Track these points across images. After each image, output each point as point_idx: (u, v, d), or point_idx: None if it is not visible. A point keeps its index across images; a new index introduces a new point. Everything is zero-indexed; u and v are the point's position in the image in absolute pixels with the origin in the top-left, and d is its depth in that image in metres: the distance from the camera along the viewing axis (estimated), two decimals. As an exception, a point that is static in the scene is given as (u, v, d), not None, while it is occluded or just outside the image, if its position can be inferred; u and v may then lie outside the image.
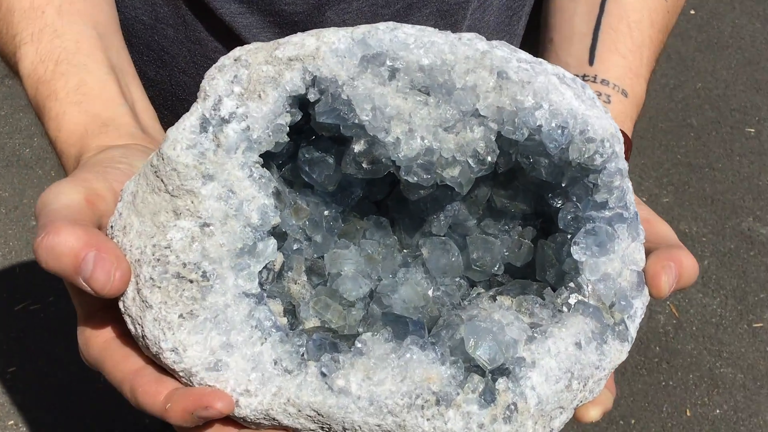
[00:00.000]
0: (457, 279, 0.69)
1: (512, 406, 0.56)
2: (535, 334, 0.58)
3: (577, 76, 0.83)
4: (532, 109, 0.58)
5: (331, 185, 0.63)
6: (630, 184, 0.64)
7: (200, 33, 0.87)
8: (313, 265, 0.67)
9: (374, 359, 0.55)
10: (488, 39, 0.82)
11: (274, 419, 0.55)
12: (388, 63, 0.57)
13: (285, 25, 0.87)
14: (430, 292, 0.67)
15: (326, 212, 0.66)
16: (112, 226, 0.57)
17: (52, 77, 0.70)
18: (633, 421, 2.39)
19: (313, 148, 0.62)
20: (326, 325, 0.64)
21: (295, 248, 0.65)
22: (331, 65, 0.56)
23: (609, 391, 0.64)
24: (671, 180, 3.06)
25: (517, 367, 0.56)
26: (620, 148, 0.62)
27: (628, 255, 0.63)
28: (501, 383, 0.56)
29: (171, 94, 0.94)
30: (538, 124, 0.58)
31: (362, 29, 0.57)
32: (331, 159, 0.63)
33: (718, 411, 2.38)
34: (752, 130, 3.30)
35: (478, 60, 0.58)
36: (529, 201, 0.67)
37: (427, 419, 0.54)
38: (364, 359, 0.55)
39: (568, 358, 0.58)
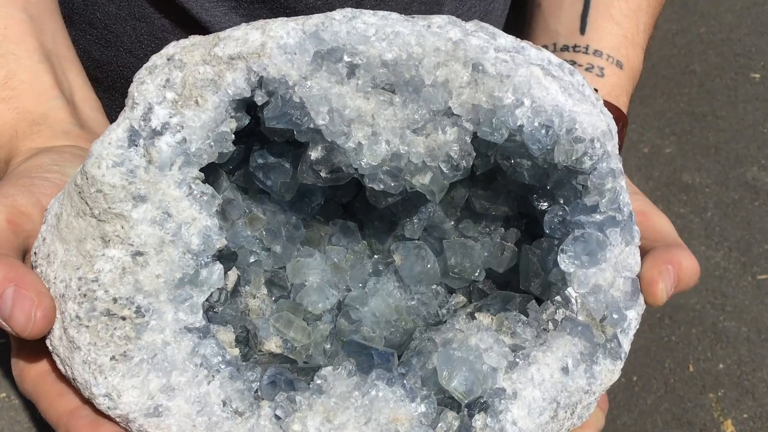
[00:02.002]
0: (434, 286, 0.62)
1: None
2: (517, 359, 0.52)
3: (567, 46, 0.75)
4: (512, 107, 0.51)
5: (288, 194, 0.56)
6: (624, 182, 0.57)
7: (145, 9, 0.79)
8: (274, 276, 0.60)
9: (335, 398, 0.49)
10: (477, 3, 0.73)
11: None
12: (346, 59, 0.49)
13: (247, 2, 0.78)
14: (403, 303, 0.61)
15: (285, 220, 0.59)
16: (35, 253, 0.51)
17: None
18: (635, 378, 2.35)
19: (267, 151, 0.55)
20: (289, 344, 0.58)
21: (251, 261, 0.59)
22: (279, 64, 0.48)
23: (600, 409, 0.58)
24: (674, 129, 2.97)
25: (496, 399, 0.50)
26: (613, 146, 0.55)
27: (621, 261, 0.56)
28: (478, 420, 0.50)
29: (119, 76, 0.85)
30: (519, 124, 0.51)
31: (315, 20, 0.50)
32: (288, 164, 0.56)
33: (721, 365, 2.35)
34: (757, 75, 3.19)
35: (450, 52, 0.51)
36: (512, 202, 0.60)
37: None
38: (324, 399, 0.49)
39: (553, 386, 0.52)
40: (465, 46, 0.51)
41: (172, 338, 0.48)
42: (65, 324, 0.48)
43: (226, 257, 0.53)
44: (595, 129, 0.52)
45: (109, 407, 0.48)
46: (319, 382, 0.49)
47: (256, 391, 0.49)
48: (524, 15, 0.85)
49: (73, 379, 0.49)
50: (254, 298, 0.60)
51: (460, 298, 0.62)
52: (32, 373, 0.53)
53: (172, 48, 0.49)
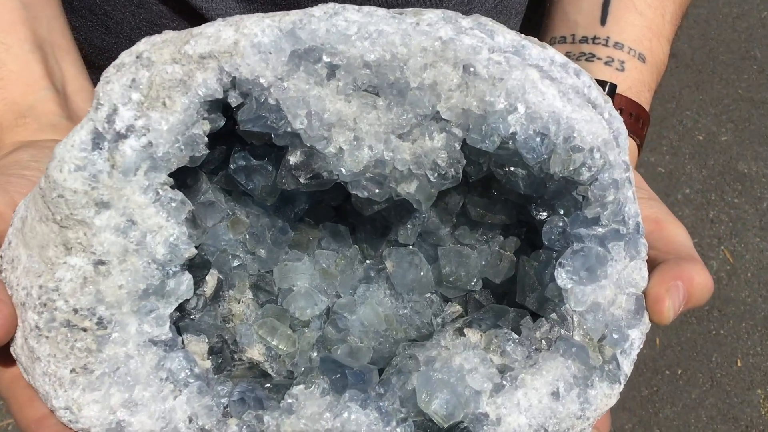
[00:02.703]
0: (428, 295, 0.59)
1: None
2: (504, 382, 0.49)
3: (587, 38, 0.71)
4: (504, 113, 0.47)
5: (270, 198, 0.53)
6: (631, 192, 0.53)
7: None
8: (260, 280, 0.58)
9: (305, 419, 0.46)
10: None
11: None
12: (325, 59, 0.46)
13: None
14: (394, 312, 0.58)
15: (270, 224, 0.56)
16: (2, 256, 0.49)
17: None
18: (680, 371, 2.29)
19: (249, 153, 0.52)
20: (272, 352, 0.56)
21: (235, 265, 0.56)
22: (252, 64, 0.45)
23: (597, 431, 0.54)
24: (731, 117, 2.86)
25: (478, 425, 0.47)
26: (616, 155, 0.51)
27: (624, 277, 0.52)
28: None
29: None
30: (511, 131, 0.47)
31: (293, 17, 0.46)
32: (271, 167, 0.53)
33: (771, 361, 2.28)
34: (821, 61, 3.04)
35: (439, 52, 0.47)
36: (510, 210, 0.56)
37: None
38: (293, 419, 0.46)
39: (541, 412, 0.48)
40: (455, 46, 0.47)
41: (135, 351, 0.46)
42: (26, 334, 0.46)
43: (198, 266, 0.50)
44: (595, 138, 0.48)
45: (70, 420, 0.46)
46: (289, 401, 0.47)
47: (226, 407, 0.47)
48: (545, 4, 0.80)
49: (36, 389, 0.47)
50: (239, 302, 0.57)
51: (456, 308, 0.59)
52: (6, 377, 0.52)
53: (143, 44, 0.47)
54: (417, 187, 0.49)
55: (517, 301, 0.55)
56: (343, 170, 0.48)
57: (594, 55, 0.71)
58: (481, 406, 0.47)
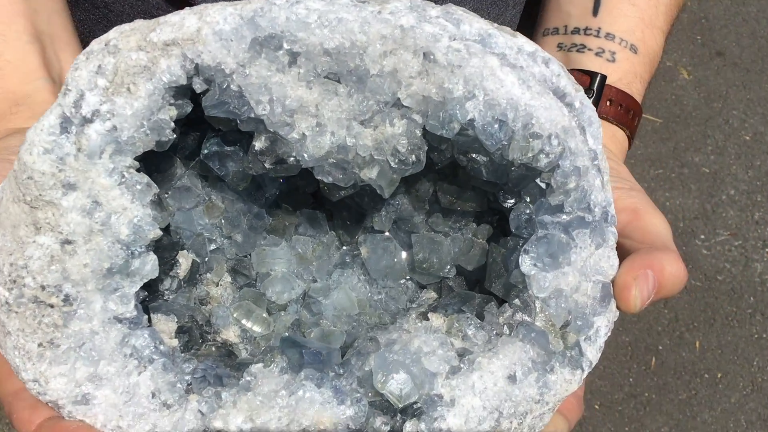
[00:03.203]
0: (402, 281, 0.60)
1: None
2: (462, 365, 0.49)
3: (578, 29, 0.71)
4: (462, 100, 0.48)
5: (242, 183, 0.54)
6: (599, 180, 0.53)
7: None
8: (237, 264, 0.59)
9: (261, 397, 0.47)
10: None
11: None
12: (286, 46, 0.47)
13: None
14: (367, 297, 0.59)
15: (246, 209, 0.58)
16: None
17: None
18: (719, 375, 2.25)
19: (221, 140, 0.54)
20: (247, 334, 0.57)
21: (212, 249, 0.58)
22: (214, 51, 0.47)
23: (563, 418, 0.54)
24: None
25: (431, 406, 0.48)
26: (579, 143, 0.51)
27: (591, 265, 0.52)
28: (409, 426, 0.47)
29: None
30: (469, 118, 0.48)
31: (255, 4, 0.48)
32: (243, 152, 0.54)
33: (816, 366, 2.22)
34: None
35: (398, 40, 0.48)
36: (480, 199, 0.56)
37: None
38: (250, 396, 0.47)
39: (496, 395, 0.49)
40: (415, 34, 0.48)
41: (100, 328, 0.48)
42: None
43: (166, 247, 0.52)
44: (554, 125, 0.48)
45: (38, 392, 0.48)
46: (248, 378, 0.48)
47: (189, 384, 0.49)
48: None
49: (9, 362, 0.49)
50: (217, 285, 0.59)
51: (431, 294, 0.60)
52: None
53: (113, 32, 0.48)
54: (379, 172, 0.50)
55: (485, 287, 0.55)
56: (305, 156, 0.49)
57: (585, 46, 0.71)
58: (436, 388, 0.48)
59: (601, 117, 0.70)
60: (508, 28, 0.53)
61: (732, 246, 2.55)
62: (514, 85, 0.48)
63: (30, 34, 0.66)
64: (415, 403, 0.48)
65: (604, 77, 0.69)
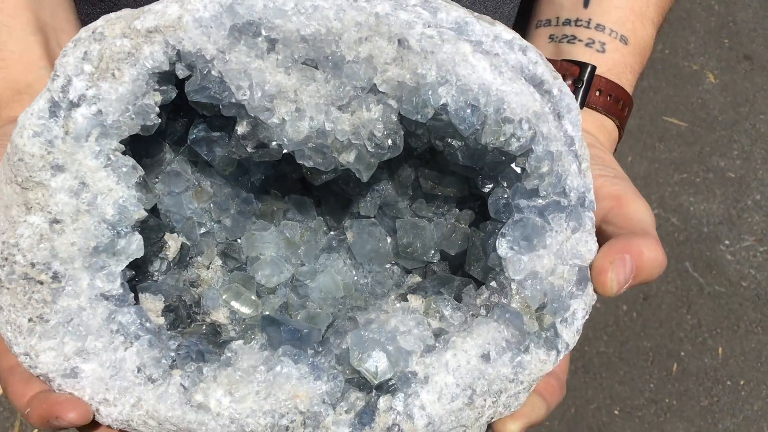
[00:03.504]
0: (388, 266, 0.61)
1: (395, 428, 0.48)
2: (437, 344, 0.50)
3: (570, 20, 0.72)
4: (435, 85, 0.49)
5: (228, 168, 0.56)
6: (575, 166, 0.54)
7: None
8: (228, 248, 0.61)
9: (240, 372, 0.49)
10: None
11: (135, 430, 0.50)
12: (264, 33, 0.49)
13: None
14: (353, 281, 0.60)
15: (234, 194, 0.59)
16: None
17: None
18: (742, 382, 2.22)
19: (207, 125, 0.56)
20: (236, 316, 0.59)
21: (202, 232, 0.60)
22: (194, 37, 0.49)
23: (541, 399, 0.55)
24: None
25: (406, 383, 0.49)
26: (552, 128, 0.52)
27: (568, 249, 0.53)
28: (383, 402, 0.49)
29: None
30: (442, 102, 0.49)
31: None
32: (228, 138, 0.56)
33: (842, 374, 2.19)
34: None
35: (373, 26, 0.49)
36: (459, 184, 0.58)
37: None
38: (230, 371, 0.49)
39: (469, 373, 0.50)
40: (389, 21, 0.49)
41: (87, 304, 0.50)
42: None
43: (153, 228, 0.54)
44: (525, 109, 0.50)
45: (29, 366, 0.50)
46: (228, 354, 0.50)
47: (174, 360, 0.50)
48: None
49: (3, 337, 0.51)
50: (207, 269, 0.61)
51: (417, 279, 0.61)
52: None
53: (100, 21, 0.51)
54: (356, 156, 0.51)
55: (465, 270, 0.56)
56: (285, 140, 0.50)
57: (575, 37, 0.72)
58: (410, 366, 0.49)
59: (589, 107, 0.71)
60: (488, 17, 0.54)
61: (757, 251, 2.52)
62: (486, 71, 0.49)
63: (34, 26, 0.68)
64: (390, 380, 0.49)
65: (593, 68, 0.70)
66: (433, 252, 0.60)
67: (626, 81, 0.72)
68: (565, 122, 0.54)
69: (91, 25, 0.50)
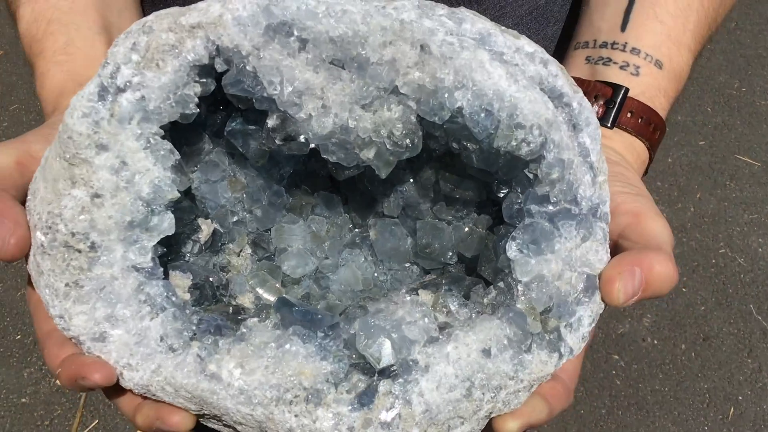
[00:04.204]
0: (407, 265, 0.64)
1: (393, 412, 0.51)
2: (441, 336, 0.53)
3: (606, 43, 0.74)
4: (451, 89, 0.52)
5: (260, 159, 0.60)
6: (589, 177, 0.56)
7: None
8: (258, 238, 0.65)
9: (253, 347, 0.52)
10: None
11: (154, 395, 0.54)
12: (296, 33, 0.53)
13: None
14: (372, 276, 0.63)
15: (266, 186, 0.63)
16: (30, 189, 0.59)
17: (43, 36, 0.72)
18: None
19: (244, 119, 0.60)
20: (261, 302, 0.62)
21: (234, 221, 0.64)
22: (232, 34, 0.53)
23: (544, 401, 0.56)
24: None
25: (407, 370, 0.52)
26: (565, 137, 0.54)
27: (577, 256, 0.55)
28: (383, 386, 0.51)
29: None
30: (458, 106, 0.52)
31: None
32: (262, 131, 0.60)
33: None
34: None
35: (397, 32, 0.53)
36: (477, 188, 0.60)
37: (295, 415, 0.51)
38: (243, 346, 0.52)
39: (469, 366, 0.52)
40: (413, 27, 0.52)
41: (119, 274, 0.54)
42: (35, 251, 0.55)
43: (185, 209, 0.58)
44: (537, 116, 0.52)
45: (63, 328, 0.55)
46: (243, 330, 0.53)
47: (194, 333, 0.54)
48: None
49: (41, 299, 0.56)
50: (238, 256, 0.65)
51: (432, 278, 0.63)
52: (33, 298, 0.61)
53: (151, 16, 0.55)
54: (376, 153, 0.54)
55: (477, 271, 0.59)
56: (311, 134, 0.54)
57: (611, 60, 0.74)
58: (413, 354, 0.52)
59: (620, 127, 0.72)
60: (514, 31, 0.57)
61: (825, 299, 2.45)
62: (501, 78, 0.52)
63: (100, 26, 0.74)
64: (393, 366, 0.52)
65: (626, 89, 0.71)
66: (450, 254, 0.62)
67: (659, 104, 0.73)
68: (583, 135, 0.56)
69: (143, 19, 0.55)
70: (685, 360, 2.36)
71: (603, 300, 0.56)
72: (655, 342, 2.40)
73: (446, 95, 0.52)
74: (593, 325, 0.57)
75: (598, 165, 0.57)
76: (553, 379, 0.59)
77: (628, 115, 0.71)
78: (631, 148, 0.72)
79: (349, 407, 0.51)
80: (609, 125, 0.72)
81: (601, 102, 0.72)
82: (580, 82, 0.74)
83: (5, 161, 0.58)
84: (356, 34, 0.52)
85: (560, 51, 0.90)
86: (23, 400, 2.20)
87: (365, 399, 0.51)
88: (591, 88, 0.73)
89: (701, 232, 2.65)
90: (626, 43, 0.73)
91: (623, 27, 0.74)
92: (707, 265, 2.56)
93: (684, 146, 2.90)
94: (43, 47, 0.72)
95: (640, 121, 0.71)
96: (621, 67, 0.73)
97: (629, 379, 2.32)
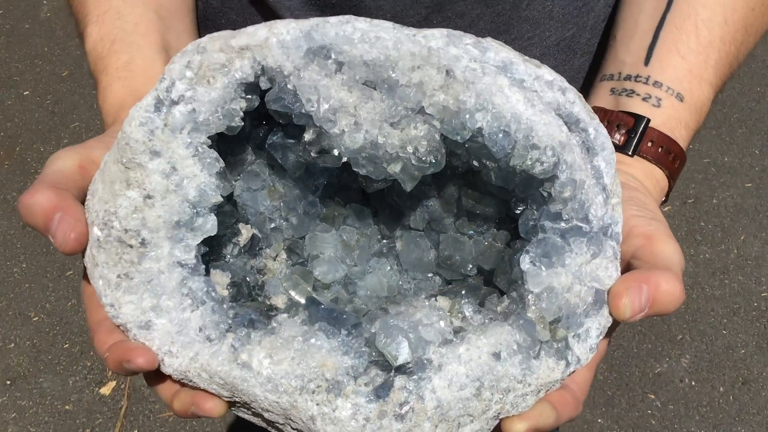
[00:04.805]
0: (430, 275, 0.68)
1: (406, 405, 0.55)
2: (455, 339, 0.57)
3: (630, 76, 0.78)
4: (473, 110, 0.57)
5: (298, 171, 0.65)
6: (601, 198, 0.60)
7: (255, 18, 0.93)
8: (293, 244, 0.70)
9: (281, 339, 0.57)
10: (554, 31, 0.79)
11: (191, 381, 0.59)
12: (333, 56, 0.58)
13: (324, 7, 0.89)
14: (397, 284, 0.68)
15: (302, 197, 0.68)
16: (89, 189, 0.65)
17: (107, 54, 0.79)
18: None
19: (284, 134, 0.65)
20: (293, 304, 0.67)
21: (271, 227, 0.69)
22: (276, 56, 0.58)
23: (552, 407, 0.60)
24: None
25: (421, 368, 0.56)
26: (578, 158, 0.58)
27: (587, 272, 0.59)
28: (399, 381, 0.56)
29: None
30: (478, 126, 0.57)
31: (312, 22, 0.59)
32: (299, 145, 0.65)
33: None
34: None
35: (425, 57, 0.58)
36: (497, 205, 0.64)
37: (316, 404, 0.55)
38: (273, 338, 0.57)
39: (479, 367, 0.56)
40: (440, 54, 0.58)
41: (165, 269, 0.59)
42: (91, 245, 0.61)
43: (227, 213, 0.63)
44: (551, 138, 0.56)
45: (113, 315, 0.60)
46: (274, 325, 0.58)
47: (230, 326, 0.59)
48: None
49: (94, 290, 0.62)
50: (274, 260, 0.70)
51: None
52: (87, 290, 0.67)
53: (206, 38, 0.61)
54: (402, 167, 0.59)
55: (493, 281, 0.63)
56: (343, 148, 0.59)
57: (634, 92, 0.78)
58: (427, 354, 0.56)
59: (641, 156, 0.76)
60: (536, 61, 0.62)
61: None
62: (519, 102, 0.56)
63: (160, 47, 0.81)
64: (408, 363, 0.56)
65: (647, 120, 0.75)
66: (470, 266, 0.66)
67: (679, 135, 0.77)
68: (599, 159, 0.61)
69: (198, 40, 0.61)
70: (723, 403, 2.34)
71: (611, 314, 0.60)
72: (693, 383, 2.39)
73: (467, 116, 0.56)
74: (601, 337, 0.60)
75: (612, 188, 0.61)
76: (563, 389, 0.62)
77: (649, 144, 0.75)
78: (650, 175, 0.75)
79: (366, 399, 0.55)
80: (630, 153, 0.76)
81: (623, 131, 0.76)
82: (603, 111, 0.78)
83: (69, 165, 0.65)
84: (387, 59, 0.58)
85: (589, 82, 0.94)
86: (67, 407, 2.29)
87: (381, 392, 0.55)
88: (614, 118, 0.77)
89: (744, 275, 2.64)
90: (649, 76, 0.77)
91: (647, 61, 0.78)
92: (749, 308, 2.54)
93: (730, 187, 2.90)
94: (107, 64, 0.78)
95: (660, 150, 0.75)
96: (643, 99, 0.77)
97: (665, 420, 2.31)
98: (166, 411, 2.26)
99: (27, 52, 3.55)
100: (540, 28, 0.88)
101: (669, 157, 0.75)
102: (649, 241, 0.64)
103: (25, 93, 3.36)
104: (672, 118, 0.76)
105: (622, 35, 0.83)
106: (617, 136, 0.77)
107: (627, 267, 0.65)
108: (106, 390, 2.31)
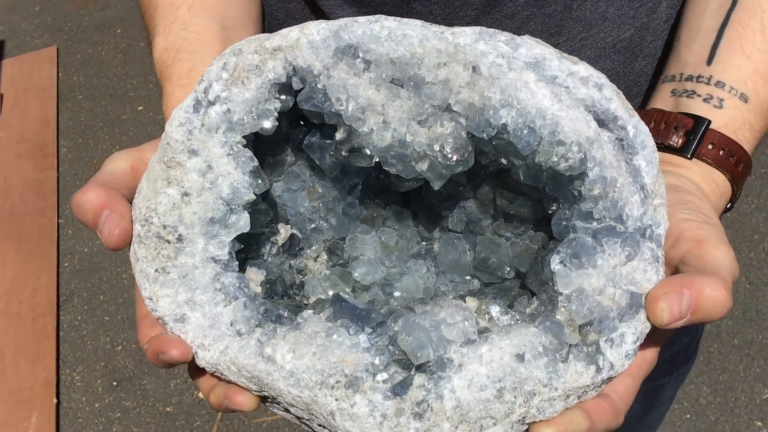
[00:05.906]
0: (467, 277, 0.67)
1: (425, 404, 0.55)
2: (479, 339, 0.56)
3: (692, 76, 0.75)
4: (497, 107, 0.56)
5: (332, 171, 0.66)
6: (638, 197, 0.58)
7: None
8: (333, 245, 0.70)
9: (305, 335, 0.58)
10: (609, 32, 0.77)
11: (222, 374, 0.61)
12: (361, 55, 0.59)
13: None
14: (433, 285, 0.67)
15: (341, 198, 0.69)
16: (138, 187, 0.68)
17: (172, 62, 0.82)
18: None
19: (321, 134, 0.66)
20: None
21: (311, 227, 0.70)
22: (306, 56, 0.59)
23: (585, 415, 0.58)
24: None
25: (441, 367, 0.55)
26: (609, 155, 0.56)
27: (622, 274, 0.57)
28: (417, 379, 0.55)
29: None
30: (503, 122, 0.56)
31: (341, 21, 0.60)
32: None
33: None
34: None
35: (451, 54, 0.57)
36: (532, 205, 0.63)
37: (336, 399, 0.56)
38: (297, 333, 0.58)
39: (501, 368, 0.55)
40: (466, 50, 0.57)
41: (200, 264, 0.61)
42: (134, 240, 0.64)
43: (261, 211, 0.64)
44: (578, 134, 0.55)
45: (152, 309, 0.63)
46: (299, 321, 0.59)
47: (259, 322, 0.60)
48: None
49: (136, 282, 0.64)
50: (315, 260, 0.71)
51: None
52: (137, 286, 0.70)
53: (243, 41, 0.63)
54: (429, 165, 0.59)
55: (525, 283, 0.61)
56: (372, 147, 0.59)
57: (695, 92, 0.74)
58: (449, 353, 0.55)
59: (700, 159, 0.72)
60: (574, 57, 0.60)
61: None
62: (545, 98, 0.55)
63: None
64: (429, 362, 0.55)
65: (707, 121, 0.72)
66: (508, 269, 0.65)
67: (743, 137, 0.73)
68: (638, 158, 0.59)
69: (237, 44, 0.63)
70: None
71: (648, 319, 0.57)
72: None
73: (492, 112, 0.56)
74: (638, 343, 0.58)
75: (653, 188, 0.59)
76: (600, 397, 0.60)
77: (709, 146, 0.72)
78: (709, 179, 0.72)
79: (383, 396, 0.55)
80: (688, 156, 0.72)
81: (682, 133, 0.73)
82: (661, 113, 0.75)
83: (122, 166, 0.68)
84: (413, 56, 0.58)
85: (653, 86, 0.91)
86: (167, 409, 2.37)
87: (399, 389, 0.55)
88: (672, 119, 0.74)
89: None
90: (711, 76, 0.74)
91: (709, 61, 0.75)
92: None
93: None
94: (171, 72, 0.82)
95: (721, 153, 0.71)
96: (704, 100, 0.73)
97: (772, 449, 2.18)
98: (260, 417, 2.31)
99: (141, 69, 3.74)
100: (594, 29, 0.85)
101: (731, 160, 0.72)
102: (698, 245, 0.61)
103: (139, 108, 3.54)
104: (735, 119, 0.72)
105: (686, 35, 0.79)
106: (675, 138, 0.73)
107: (676, 272, 0.62)
108: (205, 394, 2.39)
